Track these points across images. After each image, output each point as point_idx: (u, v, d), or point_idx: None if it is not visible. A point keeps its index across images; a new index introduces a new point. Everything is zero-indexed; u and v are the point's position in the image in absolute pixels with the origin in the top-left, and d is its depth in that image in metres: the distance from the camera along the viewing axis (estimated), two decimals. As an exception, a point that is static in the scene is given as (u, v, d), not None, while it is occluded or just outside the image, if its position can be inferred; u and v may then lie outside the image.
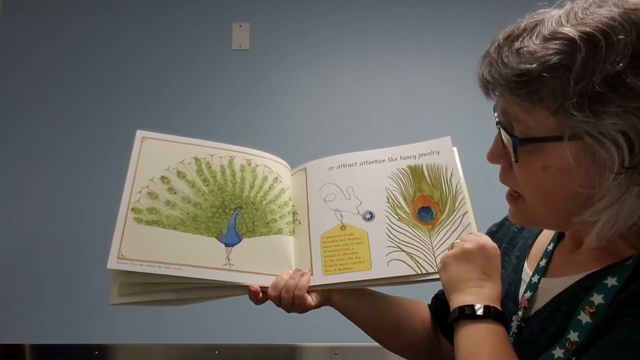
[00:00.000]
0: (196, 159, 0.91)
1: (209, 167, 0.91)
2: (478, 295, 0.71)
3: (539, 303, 0.71)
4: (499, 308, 0.71)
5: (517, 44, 0.60)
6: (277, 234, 0.90)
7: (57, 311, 1.88)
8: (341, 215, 0.91)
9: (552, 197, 0.64)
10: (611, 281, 0.63)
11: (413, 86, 2.11)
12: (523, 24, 0.62)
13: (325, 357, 1.76)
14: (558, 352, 0.63)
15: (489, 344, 0.67)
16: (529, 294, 0.74)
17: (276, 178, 0.95)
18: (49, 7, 2.14)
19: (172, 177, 0.89)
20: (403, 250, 0.86)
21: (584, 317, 0.62)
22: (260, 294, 0.83)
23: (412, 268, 0.84)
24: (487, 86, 0.64)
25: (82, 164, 2.01)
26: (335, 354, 1.76)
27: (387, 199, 0.91)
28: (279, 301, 0.84)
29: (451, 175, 0.90)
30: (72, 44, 2.12)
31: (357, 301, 0.89)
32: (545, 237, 0.80)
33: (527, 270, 0.78)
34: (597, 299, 0.62)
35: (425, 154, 0.93)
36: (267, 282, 0.84)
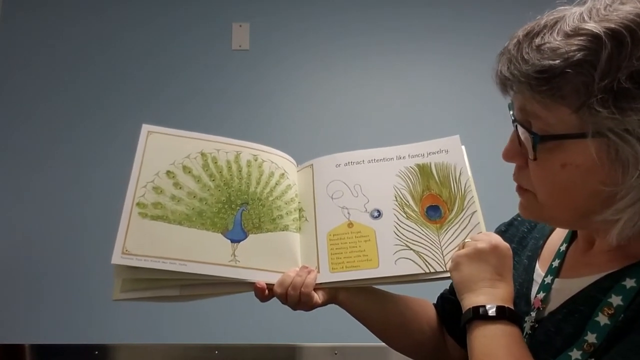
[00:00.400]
0: (202, 154, 0.90)
1: (215, 162, 0.90)
2: (491, 295, 0.71)
3: (553, 304, 0.71)
4: (513, 309, 0.70)
5: (537, 40, 0.60)
6: (283, 230, 0.89)
7: (57, 311, 1.88)
8: (348, 213, 0.90)
9: (569, 195, 0.63)
10: (629, 282, 0.62)
11: (413, 86, 2.11)
12: (543, 21, 0.62)
13: (325, 357, 1.76)
14: (575, 353, 0.62)
15: (504, 345, 0.66)
16: (542, 294, 0.73)
17: (282, 174, 0.94)
18: (49, 7, 2.14)
19: (178, 172, 0.87)
20: (411, 249, 0.85)
21: (602, 319, 0.62)
22: (266, 291, 0.82)
23: (420, 267, 0.83)
24: (506, 83, 0.63)
25: (82, 164, 2.01)
26: (335, 353, 1.75)
27: (395, 197, 0.90)
28: (285, 299, 0.83)
29: (460, 174, 0.90)
30: (72, 44, 2.12)
31: (364, 300, 0.88)
32: (557, 237, 0.79)
33: (539, 271, 0.77)
34: (616, 300, 0.62)
35: (434, 153, 0.93)
36: (273, 279, 0.83)
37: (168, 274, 0.79)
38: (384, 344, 0.94)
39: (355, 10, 2.15)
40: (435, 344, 0.92)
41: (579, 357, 0.62)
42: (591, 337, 0.62)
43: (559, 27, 0.59)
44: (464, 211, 0.87)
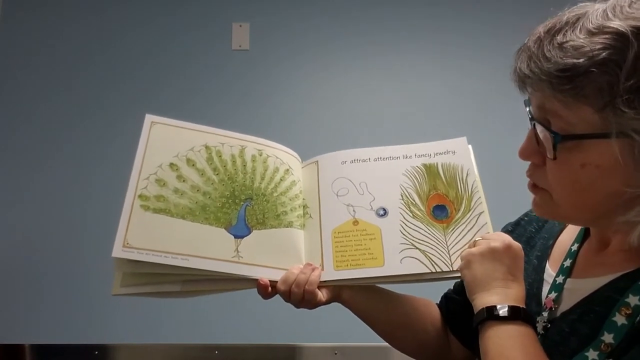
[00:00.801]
0: (206, 147, 0.88)
1: (220, 156, 0.89)
2: (504, 295, 0.70)
3: (566, 304, 0.70)
4: (527, 309, 0.69)
5: (559, 38, 0.58)
6: (287, 227, 0.88)
7: (57, 311, 1.87)
8: (354, 211, 0.89)
9: (587, 195, 0.62)
10: None
11: (414, 86, 2.11)
12: (565, 17, 0.60)
13: (325, 357, 1.76)
14: (592, 354, 0.61)
15: (520, 345, 0.65)
16: (553, 294, 0.72)
17: (287, 170, 0.93)
18: (49, 7, 2.14)
19: (182, 165, 0.86)
20: (417, 248, 0.84)
21: (620, 319, 0.61)
22: (270, 288, 0.81)
23: (426, 266, 0.82)
24: (525, 80, 0.62)
25: (82, 165, 2.00)
26: (335, 354, 1.75)
27: (402, 196, 0.89)
28: (288, 296, 0.81)
29: (467, 175, 0.89)
30: (72, 43, 2.11)
31: (368, 299, 0.87)
32: (568, 237, 0.78)
33: (550, 271, 0.76)
34: (633, 300, 0.61)
35: (441, 153, 0.92)
36: (277, 276, 0.82)
37: (170, 269, 0.77)
38: (384, 343, 0.93)
39: (356, 11, 2.15)
40: (438, 344, 0.92)
41: (596, 358, 0.61)
42: (608, 338, 0.61)
43: (581, 24, 0.58)
44: (471, 211, 0.86)
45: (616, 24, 0.56)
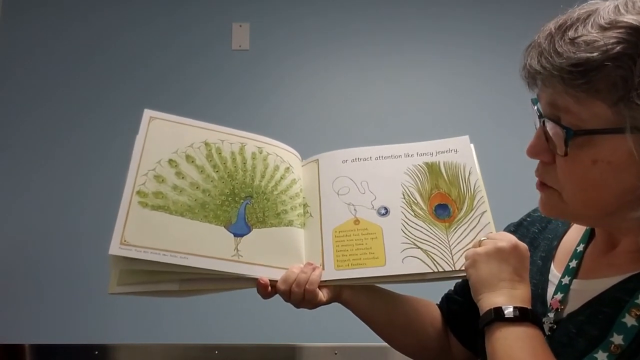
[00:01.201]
0: (206, 144, 0.87)
1: (219, 153, 0.87)
2: (511, 297, 0.69)
3: (572, 305, 0.69)
4: (535, 311, 0.68)
5: (570, 33, 0.58)
6: (287, 225, 0.86)
7: (57, 311, 1.87)
8: (355, 210, 0.88)
9: (598, 193, 0.61)
10: None
11: (414, 86, 2.10)
12: (575, 14, 0.60)
13: (325, 357, 1.75)
14: (601, 355, 0.60)
15: (529, 348, 0.64)
16: (559, 295, 0.71)
17: (287, 168, 0.91)
18: (49, 7, 2.13)
19: (181, 161, 0.84)
20: (419, 247, 0.83)
21: (630, 320, 0.60)
22: (269, 288, 0.80)
23: (428, 265, 0.81)
24: (535, 76, 0.62)
25: (83, 165, 2.00)
26: (335, 354, 1.75)
27: (403, 195, 0.88)
28: (288, 296, 0.80)
29: (469, 173, 0.88)
30: (72, 43, 2.11)
31: (368, 299, 0.86)
32: (572, 237, 0.78)
33: (555, 272, 0.75)
34: None
35: (443, 152, 0.91)
36: (277, 275, 0.81)
37: (168, 267, 0.75)
38: (384, 344, 0.92)
39: (356, 10, 2.14)
40: (439, 344, 0.91)
41: (605, 359, 0.60)
42: (617, 339, 0.60)
43: (592, 20, 0.58)
44: (473, 210, 0.85)
45: (630, 18, 0.56)
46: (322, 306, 0.84)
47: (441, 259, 0.82)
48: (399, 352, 0.92)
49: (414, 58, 2.12)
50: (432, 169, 0.90)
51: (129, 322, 1.84)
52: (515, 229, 0.89)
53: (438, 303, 0.96)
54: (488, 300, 0.69)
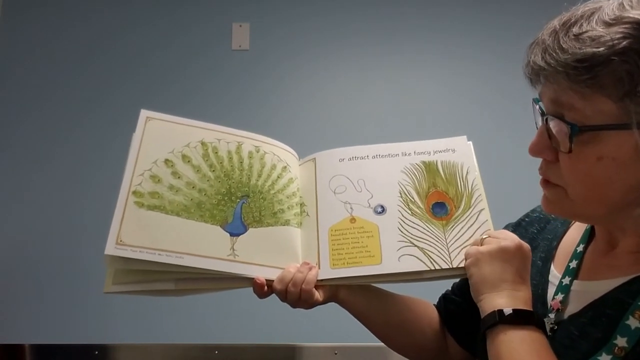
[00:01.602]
0: (202, 143, 0.87)
1: (216, 152, 0.87)
2: (513, 298, 0.68)
3: (573, 306, 0.68)
4: (539, 314, 0.68)
5: (575, 30, 0.58)
6: (284, 225, 0.86)
7: (57, 311, 1.87)
8: (351, 208, 0.87)
9: (604, 190, 0.60)
10: None
11: (414, 86, 2.10)
12: (579, 11, 0.60)
13: (325, 357, 1.75)
14: (605, 358, 0.60)
15: (534, 352, 0.63)
16: (560, 296, 0.70)
17: (285, 167, 0.91)
18: (49, 7, 2.14)
19: (177, 161, 0.84)
20: (416, 246, 0.82)
21: (633, 322, 0.59)
22: (266, 287, 0.79)
23: (425, 263, 0.80)
24: (540, 73, 0.61)
25: (82, 165, 2.00)
26: (335, 354, 1.75)
27: (400, 193, 0.87)
28: (284, 296, 0.80)
29: (467, 172, 0.88)
30: (72, 44, 2.11)
31: (365, 298, 0.86)
32: (572, 238, 0.77)
33: (555, 272, 0.75)
34: None
35: (440, 151, 0.91)
36: (273, 275, 0.80)
37: (164, 267, 0.75)
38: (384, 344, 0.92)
39: (355, 10, 2.14)
40: (436, 345, 0.90)
41: None
42: (621, 341, 0.59)
43: (596, 16, 0.58)
44: (471, 208, 0.85)
45: (635, 13, 0.56)
46: (322, 306, 0.84)
47: (438, 256, 0.81)
48: (396, 352, 0.92)
49: (414, 58, 2.12)
50: (430, 168, 0.90)
51: (129, 322, 1.84)
52: (513, 229, 0.88)
53: (435, 304, 0.95)
54: (490, 302, 0.69)
